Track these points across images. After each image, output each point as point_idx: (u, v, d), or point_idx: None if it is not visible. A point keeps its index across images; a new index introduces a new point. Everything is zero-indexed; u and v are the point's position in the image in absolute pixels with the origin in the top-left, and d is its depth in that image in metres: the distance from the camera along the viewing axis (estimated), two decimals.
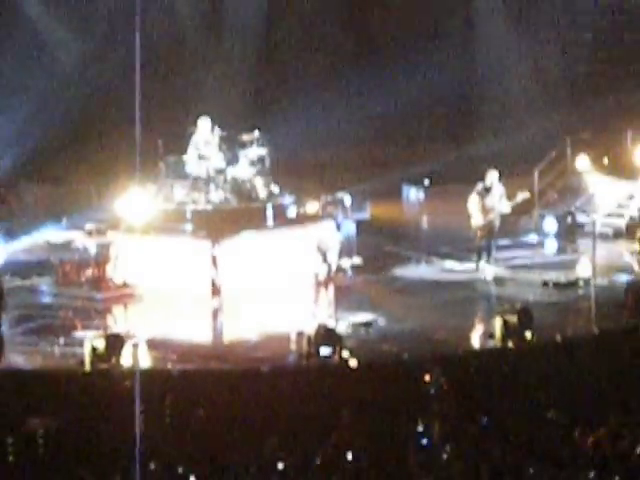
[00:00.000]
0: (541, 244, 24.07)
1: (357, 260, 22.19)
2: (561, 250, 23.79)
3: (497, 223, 22.05)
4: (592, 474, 12.68)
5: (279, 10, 30.68)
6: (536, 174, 25.44)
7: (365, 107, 28.71)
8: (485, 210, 21.92)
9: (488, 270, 21.96)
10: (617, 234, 24.18)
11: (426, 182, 27.66)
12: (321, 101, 27.60)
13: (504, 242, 23.12)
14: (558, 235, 24.39)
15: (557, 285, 21.11)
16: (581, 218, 24.63)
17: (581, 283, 20.84)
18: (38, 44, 29.13)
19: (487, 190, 21.97)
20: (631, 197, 25.32)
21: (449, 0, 30.88)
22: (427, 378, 16.50)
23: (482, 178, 22.15)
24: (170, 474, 13.69)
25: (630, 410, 14.16)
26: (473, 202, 21.87)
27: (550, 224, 24.53)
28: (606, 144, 26.83)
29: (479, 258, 22.13)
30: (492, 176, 21.98)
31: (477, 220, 21.89)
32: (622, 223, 24.67)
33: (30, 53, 28.62)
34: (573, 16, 31.29)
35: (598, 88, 28.29)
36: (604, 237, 23.22)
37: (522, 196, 22.23)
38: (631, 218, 24.76)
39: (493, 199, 21.94)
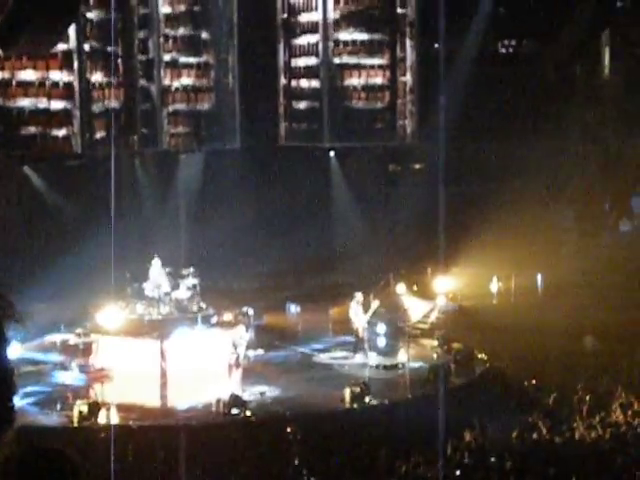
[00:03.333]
0: (374, 340, 23.88)
1: (260, 351, 21.96)
2: (387, 345, 23.58)
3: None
4: None
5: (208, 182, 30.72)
6: (371, 296, 25.44)
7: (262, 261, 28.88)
8: (358, 319, 21.89)
9: (361, 356, 21.59)
10: (423, 334, 24.00)
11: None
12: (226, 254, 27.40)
13: (350, 339, 22.95)
14: (385, 335, 24.01)
15: (385, 367, 21.04)
16: (400, 324, 24.64)
17: (400, 365, 20.84)
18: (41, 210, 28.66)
19: (358, 306, 21.99)
20: (431, 310, 25.52)
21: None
22: (289, 429, 16.42)
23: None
24: None
25: (429, 451, 14.21)
26: (352, 313, 21.87)
27: (380, 327, 24.32)
28: (415, 276, 27.16)
29: (356, 349, 21.78)
30: (358, 297, 22.05)
31: (356, 324, 21.85)
32: (426, 327, 24.63)
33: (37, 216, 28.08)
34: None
35: (408, 244, 28.62)
36: (414, 336, 23.23)
37: (374, 305, 22.21)
38: (431, 324, 24.80)
39: (362, 312, 22.01)
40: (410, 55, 30.19)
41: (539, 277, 27.57)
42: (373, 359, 21.54)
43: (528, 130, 29.92)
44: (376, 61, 30.22)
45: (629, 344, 21.67)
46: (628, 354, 21.13)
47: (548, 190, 29.32)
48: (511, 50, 31.66)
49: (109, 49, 28.47)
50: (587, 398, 17.97)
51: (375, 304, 22.15)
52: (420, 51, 30.05)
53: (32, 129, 27.64)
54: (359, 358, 21.59)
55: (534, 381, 20.36)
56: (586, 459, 13.55)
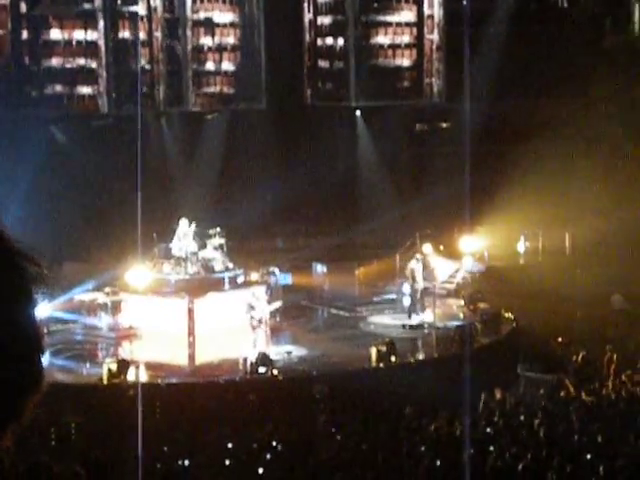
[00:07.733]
0: (400, 300, 23.73)
1: (278, 303, 21.62)
2: (413, 304, 23.47)
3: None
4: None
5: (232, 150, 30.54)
6: (397, 256, 25.31)
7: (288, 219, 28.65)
8: (420, 277, 21.55)
9: (417, 316, 21.35)
10: (449, 294, 23.94)
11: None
12: (255, 212, 27.27)
13: (376, 298, 22.85)
14: (411, 294, 23.91)
15: (411, 327, 21.01)
16: (426, 284, 24.46)
17: (426, 325, 20.78)
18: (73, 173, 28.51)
19: (418, 262, 21.54)
20: (457, 270, 25.34)
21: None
22: (315, 388, 16.36)
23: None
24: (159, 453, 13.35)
25: (456, 408, 14.05)
26: (411, 271, 21.46)
27: (406, 287, 24.15)
28: (441, 237, 26.88)
29: (414, 310, 21.39)
30: (427, 248, 21.64)
31: (418, 284, 21.49)
32: (452, 287, 24.53)
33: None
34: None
35: (435, 204, 28.29)
36: (440, 296, 23.08)
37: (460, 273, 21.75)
38: (457, 284, 24.68)
39: (426, 270, 21.60)
40: (437, 12, 29.65)
41: (567, 236, 27.24)
42: (426, 318, 21.05)
43: (555, 88, 29.39)
44: (403, 18, 29.73)
45: None
46: None
47: (575, 148, 28.84)
48: (539, 7, 31.00)
49: (133, 8, 28.19)
50: (615, 357, 17.75)
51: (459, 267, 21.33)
52: (447, 8, 29.50)
53: (58, 88, 27.52)
54: (415, 319, 21.22)
55: (561, 340, 20.14)
56: (614, 417, 13.37)
